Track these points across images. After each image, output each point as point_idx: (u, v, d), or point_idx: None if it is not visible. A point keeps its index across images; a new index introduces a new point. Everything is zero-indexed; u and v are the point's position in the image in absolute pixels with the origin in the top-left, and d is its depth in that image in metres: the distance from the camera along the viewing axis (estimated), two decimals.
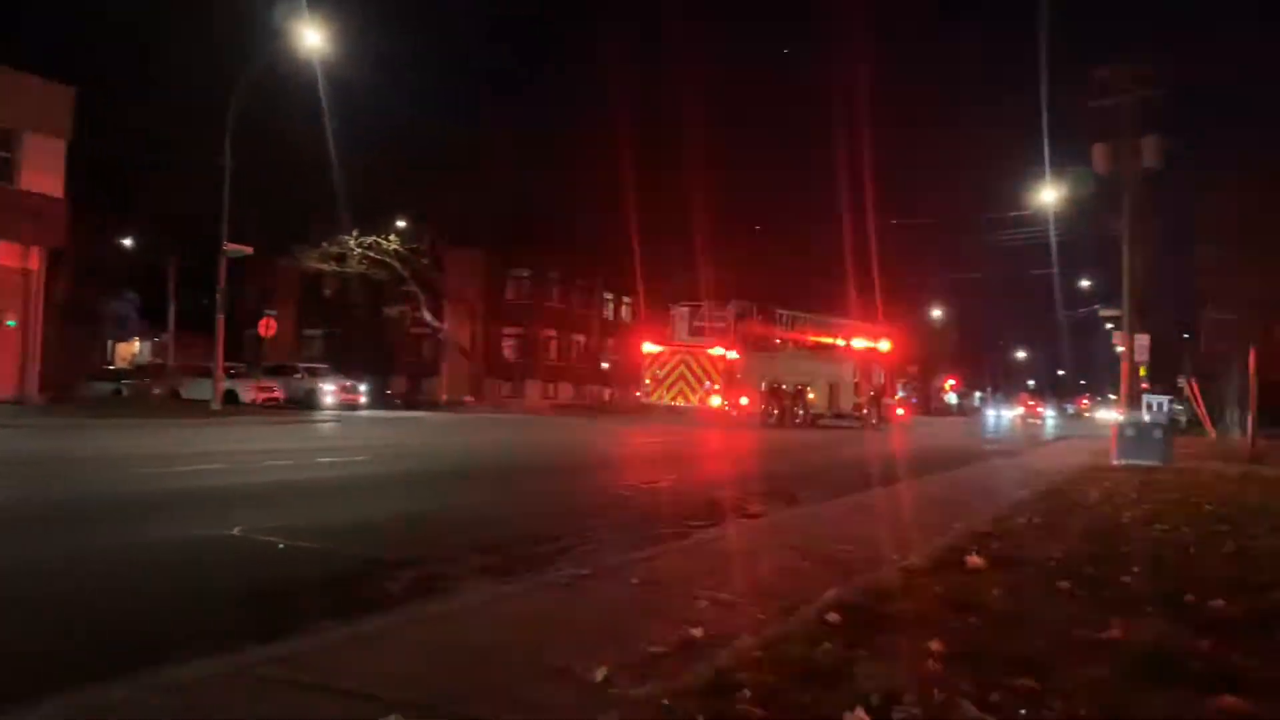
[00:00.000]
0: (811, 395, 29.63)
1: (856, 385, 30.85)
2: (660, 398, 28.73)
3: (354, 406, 31.35)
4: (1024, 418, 64.99)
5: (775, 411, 28.55)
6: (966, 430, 38.81)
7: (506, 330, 47.79)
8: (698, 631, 3.59)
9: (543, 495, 9.49)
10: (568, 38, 70.96)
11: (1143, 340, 22.44)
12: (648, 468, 13.32)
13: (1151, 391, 40.85)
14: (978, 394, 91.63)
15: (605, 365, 52.48)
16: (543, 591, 4.42)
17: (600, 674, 3.05)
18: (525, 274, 48.08)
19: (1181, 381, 43.95)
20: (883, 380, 33.28)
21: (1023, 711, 2.67)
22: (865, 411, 31.05)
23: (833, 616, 3.73)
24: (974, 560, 5.17)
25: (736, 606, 4.20)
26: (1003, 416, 66.38)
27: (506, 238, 45.09)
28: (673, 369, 28.63)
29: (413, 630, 3.65)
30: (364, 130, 36.25)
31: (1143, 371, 25.88)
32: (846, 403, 30.59)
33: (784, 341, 31.13)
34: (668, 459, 15.01)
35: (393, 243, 36.76)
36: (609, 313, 53.56)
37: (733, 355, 28.41)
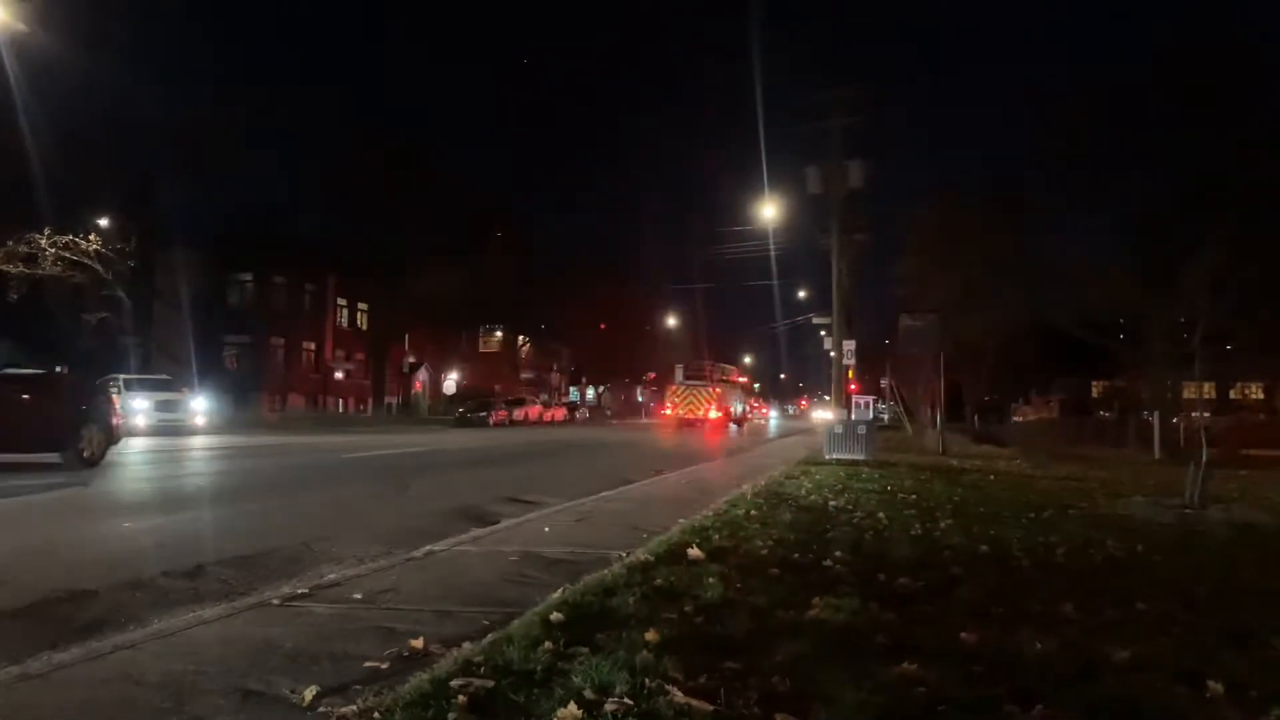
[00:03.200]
0: (734, 409, 48.07)
1: (744, 403, 52.37)
2: (678, 412, 44.32)
3: (183, 430, 24.40)
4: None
5: (731, 421, 46.00)
6: (700, 431, 40.73)
7: (229, 339, 44.57)
8: (418, 643, 3.50)
9: (266, 514, 8.86)
10: (304, 29, 67.50)
11: (850, 345, 24.53)
12: (397, 478, 12.82)
13: (860, 392, 44.91)
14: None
15: (340, 375, 50.24)
16: (251, 614, 4.12)
17: (309, 695, 2.90)
18: (249, 278, 45.07)
19: (884, 382, 48.63)
20: (747, 400, 55.57)
21: (723, 691, 2.81)
22: (742, 419, 49.60)
23: (556, 616, 3.75)
24: (694, 552, 5.42)
25: (462, 615, 4.14)
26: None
27: (228, 239, 42.11)
28: (686, 397, 44.60)
29: (93, 666, 3.27)
30: (63, 119, 32.60)
31: (850, 373, 28.30)
32: (740, 412, 49.58)
33: (730, 381, 49.31)
34: (420, 468, 14.52)
35: (93, 242, 33.21)
36: (343, 320, 51.33)
37: (717, 390, 45.49)
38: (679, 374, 46.40)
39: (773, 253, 39.15)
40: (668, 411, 45.60)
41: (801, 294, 50.09)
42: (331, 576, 4.98)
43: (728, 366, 51.63)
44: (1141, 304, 27.81)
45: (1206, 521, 8.48)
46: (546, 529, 7.14)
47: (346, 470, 13.86)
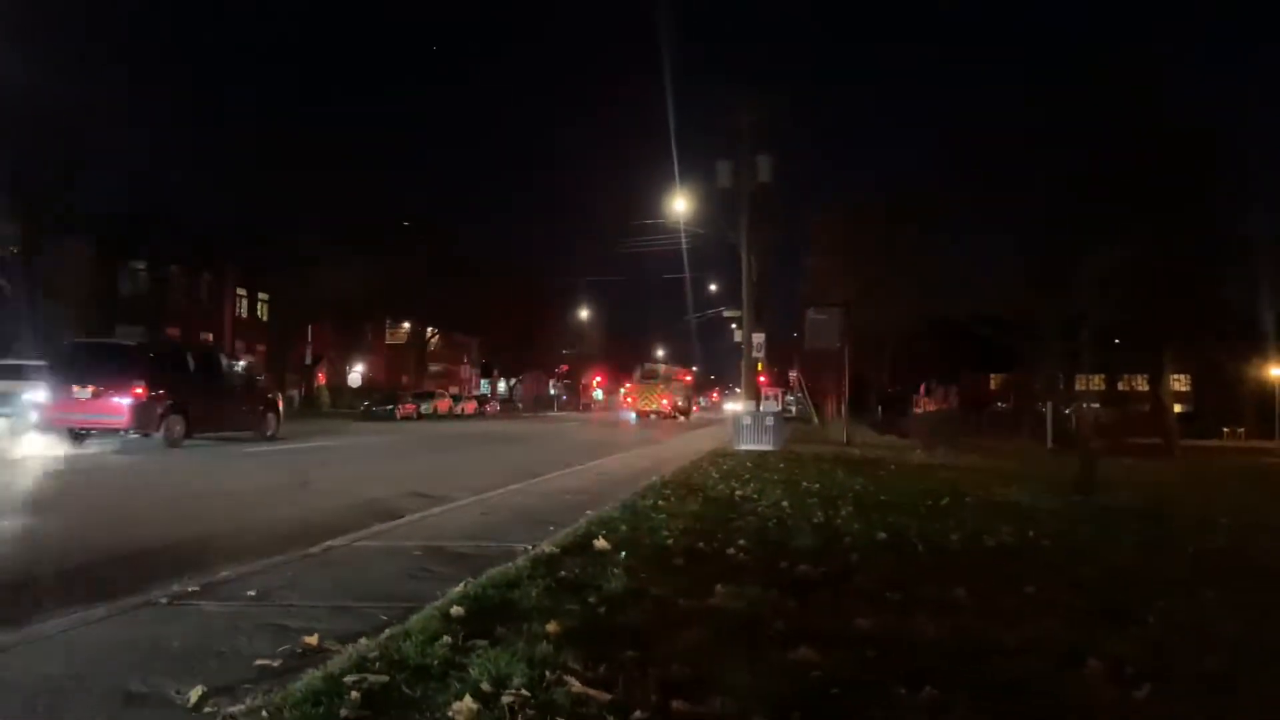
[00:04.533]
0: (681, 403, 54.04)
1: (688, 397, 57.68)
2: (637, 405, 52.39)
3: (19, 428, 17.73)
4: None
5: (678, 412, 52.30)
6: (613, 422, 40.91)
7: (121, 329, 42.71)
8: (312, 639, 3.40)
9: (156, 509, 8.52)
10: (204, 11, 64.89)
11: (759, 338, 24.90)
12: (298, 473, 12.48)
13: (770, 384, 45.68)
14: (622, 390, 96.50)
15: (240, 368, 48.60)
16: (137, 614, 3.94)
17: (195, 695, 2.80)
18: (142, 266, 43.25)
19: (793, 375, 49.54)
20: (691, 393, 61.09)
21: (622, 680, 2.81)
22: (687, 410, 55.54)
23: (456, 610, 3.70)
24: (600, 544, 5.42)
25: (360, 611, 4.04)
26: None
27: (120, 226, 40.25)
28: (642, 392, 53.34)
29: None
30: None
31: (760, 366, 28.73)
32: (686, 405, 55.32)
33: (678, 378, 57.01)
34: (322, 463, 14.15)
35: None
36: (242, 310, 49.71)
37: (667, 386, 54.07)
38: (638, 374, 57.66)
39: (684, 247, 39.38)
40: (628, 403, 55.61)
41: (713, 287, 50.71)
42: (225, 573, 4.80)
43: (676, 367, 61.78)
44: (1034, 301, 28.93)
45: (1093, 507, 8.87)
46: (451, 523, 7.05)
47: (243, 466, 13.44)
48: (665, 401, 52.81)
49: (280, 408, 19.20)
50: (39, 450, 14.01)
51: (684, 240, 36.41)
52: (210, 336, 46.88)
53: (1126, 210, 24.71)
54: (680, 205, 29.47)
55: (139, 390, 15.12)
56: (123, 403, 14.99)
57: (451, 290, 53.44)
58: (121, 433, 15.24)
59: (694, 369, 64.64)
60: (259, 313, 50.40)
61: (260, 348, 49.27)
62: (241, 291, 49.15)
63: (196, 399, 16.28)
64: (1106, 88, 25.27)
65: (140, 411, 15.07)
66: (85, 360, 15.92)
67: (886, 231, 30.49)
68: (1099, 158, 25.54)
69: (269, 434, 18.36)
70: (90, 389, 15.10)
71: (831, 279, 33.19)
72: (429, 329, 64.39)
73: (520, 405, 71.71)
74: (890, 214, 31.27)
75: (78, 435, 15.40)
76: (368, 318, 55.13)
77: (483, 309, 59.53)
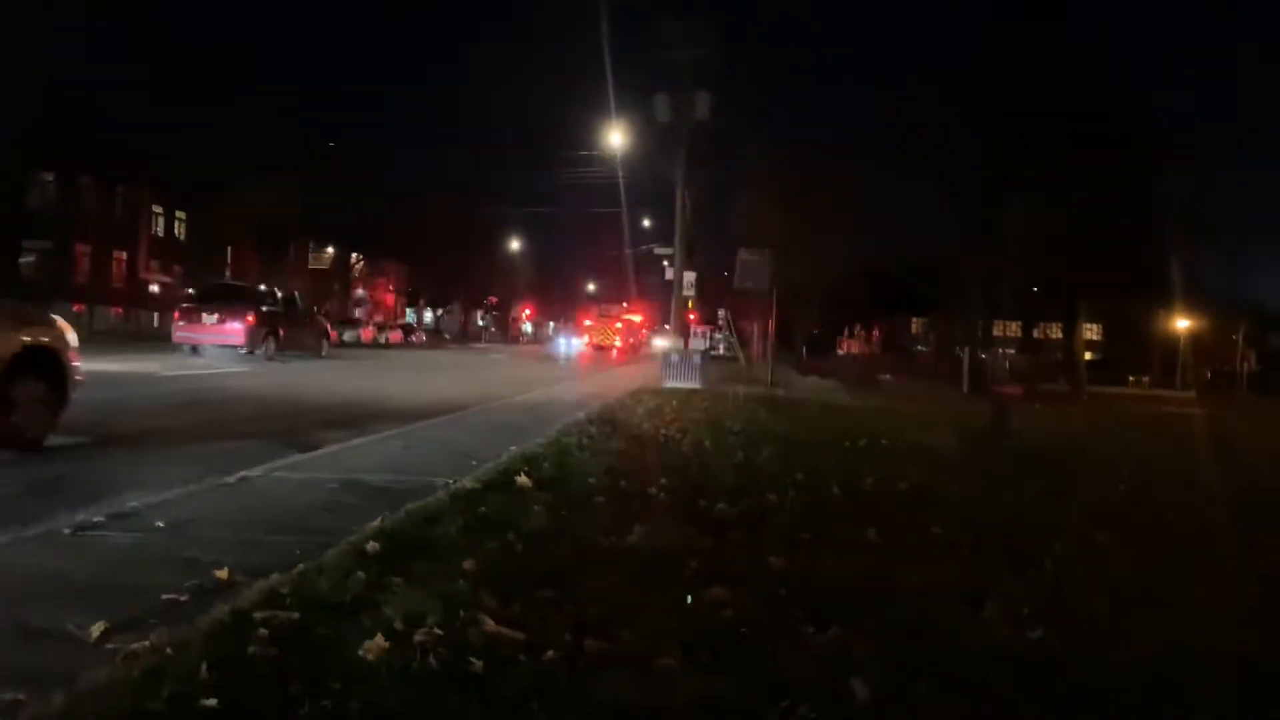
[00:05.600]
0: (632, 339, 59.57)
1: (639, 334, 64.15)
2: (594, 340, 55.20)
3: None
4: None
5: (630, 348, 56.32)
6: (541, 357, 40.71)
7: (28, 244, 40.82)
8: (222, 573, 3.36)
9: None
10: None
11: (690, 276, 24.94)
12: (213, 400, 12.13)
13: (699, 323, 45.89)
14: (551, 323, 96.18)
15: (155, 288, 46.94)
16: (35, 545, 3.81)
17: (96, 631, 2.73)
18: (51, 178, 41.23)
19: (721, 314, 49.83)
20: (642, 332, 67.00)
21: (536, 619, 2.83)
22: (639, 346, 59.74)
23: (372, 546, 3.67)
24: (522, 481, 5.41)
25: (273, 545, 3.99)
26: (573, 344, 70.42)
27: (28, 134, 38.15)
28: (598, 329, 57.63)
29: None
30: None
31: (690, 304, 28.84)
32: (637, 341, 60.50)
33: (631, 316, 63.26)
34: (238, 390, 13.77)
35: None
36: (159, 228, 47.86)
37: (620, 324, 59.81)
38: (596, 312, 64.06)
39: (621, 181, 38.88)
40: (585, 339, 58.61)
41: (646, 223, 50.35)
42: (133, 504, 4.66)
43: (630, 307, 66.96)
44: (959, 252, 29.55)
45: (1003, 453, 9.16)
46: (373, 455, 6.98)
47: (157, 393, 13.04)
48: (618, 337, 58.23)
49: (330, 334, 26.40)
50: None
51: (620, 175, 36.07)
52: (124, 255, 45.14)
53: (1044, 166, 25.35)
54: (616, 139, 29.10)
55: (250, 318, 20.60)
56: (238, 327, 20.35)
57: (378, 215, 52.17)
58: (237, 349, 20.20)
59: (625, 305, 65.71)
60: (176, 232, 48.64)
61: (178, 268, 47.63)
62: (158, 209, 47.27)
63: (283, 326, 22.02)
64: (1028, 50, 25.80)
65: (251, 333, 20.45)
66: (210, 295, 21.93)
67: (819, 176, 30.68)
68: (1020, 113, 26.09)
69: (323, 354, 24.49)
70: (215, 316, 20.67)
71: (763, 222, 33.28)
72: (354, 254, 62.96)
73: (447, 336, 70.91)
74: (824, 159, 31.46)
75: (195, 350, 20.83)
76: (290, 240, 53.61)
77: (411, 236, 58.35)
